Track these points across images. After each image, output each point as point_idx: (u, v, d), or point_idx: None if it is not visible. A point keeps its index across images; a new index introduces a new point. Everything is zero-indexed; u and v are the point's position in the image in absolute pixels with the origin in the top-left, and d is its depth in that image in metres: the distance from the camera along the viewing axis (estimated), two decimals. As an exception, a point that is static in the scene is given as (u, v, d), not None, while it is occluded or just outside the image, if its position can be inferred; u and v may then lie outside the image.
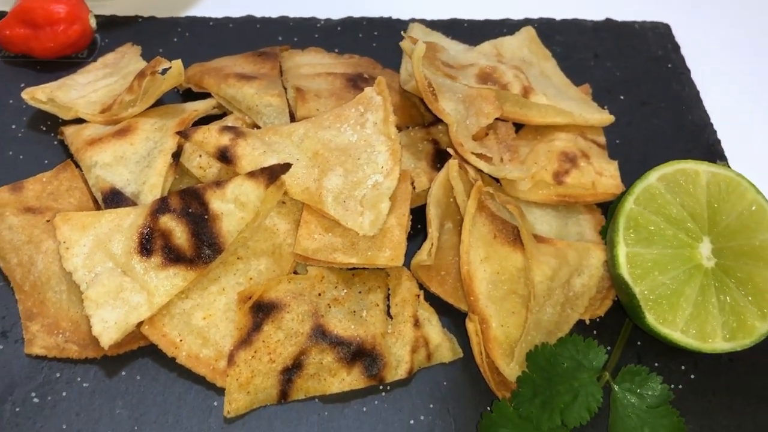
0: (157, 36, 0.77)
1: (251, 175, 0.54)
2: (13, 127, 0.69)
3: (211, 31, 0.78)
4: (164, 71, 0.64)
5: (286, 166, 0.53)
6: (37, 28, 0.71)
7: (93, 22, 0.73)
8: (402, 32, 0.71)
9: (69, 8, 0.71)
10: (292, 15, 0.81)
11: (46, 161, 0.67)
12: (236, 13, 0.81)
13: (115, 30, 0.77)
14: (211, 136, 0.57)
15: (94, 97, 0.65)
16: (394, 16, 0.81)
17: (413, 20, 0.81)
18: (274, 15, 0.81)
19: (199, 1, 0.83)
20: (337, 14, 0.81)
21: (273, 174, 0.53)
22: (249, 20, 0.80)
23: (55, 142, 0.68)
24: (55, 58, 0.73)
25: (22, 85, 0.71)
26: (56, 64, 0.73)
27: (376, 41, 0.79)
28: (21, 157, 0.66)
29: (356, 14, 0.81)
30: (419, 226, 0.61)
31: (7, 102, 0.70)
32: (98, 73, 0.70)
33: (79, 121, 0.67)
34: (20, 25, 0.71)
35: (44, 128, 0.69)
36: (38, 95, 0.66)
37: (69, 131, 0.64)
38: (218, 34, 0.78)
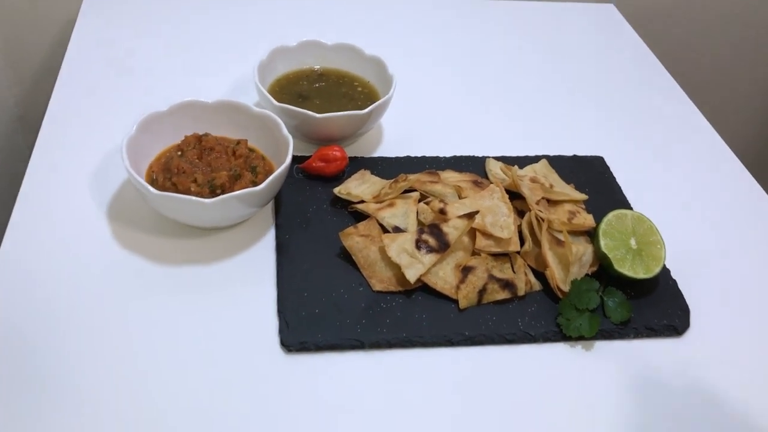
0: (368, 165, 1.52)
1: (460, 216, 1.33)
2: (324, 206, 1.43)
3: (393, 164, 1.51)
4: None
5: (475, 213, 1.33)
6: (327, 162, 1.47)
7: (347, 158, 1.53)
8: (486, 161, 1.56)
9: (340, 153, 1.49)
10: (428, 155, 1.58)
11: (345, 220, 1.43)
12: (401, 153, 1.56)
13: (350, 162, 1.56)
14: (436, 203, 1.36)
15: (367, 191, 1.44)
16: (477, 155, 1.62)
17: (486, 157, 1.64)
18: (419, 155, 1.61)
19: (382, 147, 1.66)
20: (450, 154, 1.60)
21: (470, 215, 1.33)
22: (408, 158, 1.53)
23: (346, 212, 1.42)
24: (329, 176, 1.52)
25: (319, 188, 1.48)
26: (328, 178, 1.48)
27: (471, 167, 1.55)
28: (334, 219, 1.39)
29: (459, 154, 1.63)
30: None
31: (315, 195, 1.42)
32: (355, 182, 1.45)
33: (359, 202, 1.46)
34: (319, 161, 1.47)
35: (339, 206, 1.44)
36: (342, 191, 1.42)
37: (361, 206, 1.38)
38: (395, 166, 1.52)
